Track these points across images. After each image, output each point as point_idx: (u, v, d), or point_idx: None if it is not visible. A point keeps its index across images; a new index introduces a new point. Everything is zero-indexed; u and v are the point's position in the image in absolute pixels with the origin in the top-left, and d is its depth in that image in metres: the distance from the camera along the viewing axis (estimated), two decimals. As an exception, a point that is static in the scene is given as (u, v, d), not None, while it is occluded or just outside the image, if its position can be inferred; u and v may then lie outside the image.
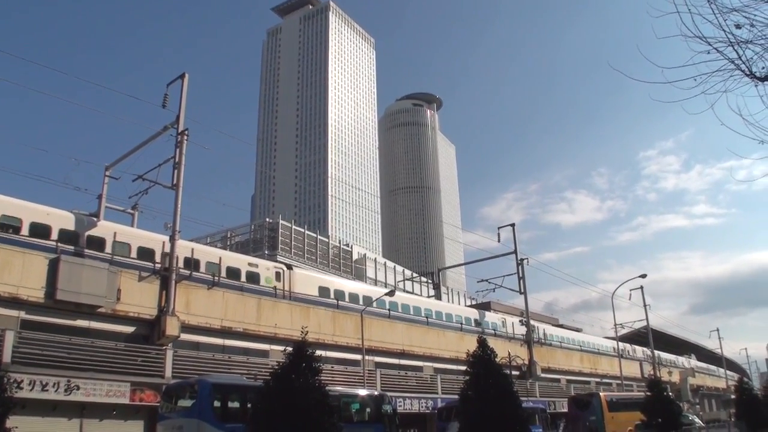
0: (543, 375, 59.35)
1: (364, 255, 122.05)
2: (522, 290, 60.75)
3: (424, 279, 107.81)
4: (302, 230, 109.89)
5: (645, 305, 76.47)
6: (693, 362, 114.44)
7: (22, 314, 27.67)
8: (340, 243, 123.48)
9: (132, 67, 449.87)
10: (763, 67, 9.92)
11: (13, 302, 27.32)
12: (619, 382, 69.56)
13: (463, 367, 25.51)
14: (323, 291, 45.63)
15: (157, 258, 34.39)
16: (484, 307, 74.32)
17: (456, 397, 27.48)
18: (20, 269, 27.56)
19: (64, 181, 55.81)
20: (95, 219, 34.44)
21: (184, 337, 32.79)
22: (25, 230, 30.70)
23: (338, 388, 29.84)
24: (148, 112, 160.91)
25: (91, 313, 29.74)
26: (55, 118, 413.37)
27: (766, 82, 9.98)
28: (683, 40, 9.71)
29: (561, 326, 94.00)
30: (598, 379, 74.46)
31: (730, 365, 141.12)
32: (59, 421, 25.73)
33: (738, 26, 9.60)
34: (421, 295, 79.67)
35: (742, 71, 9.87)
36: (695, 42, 9.68)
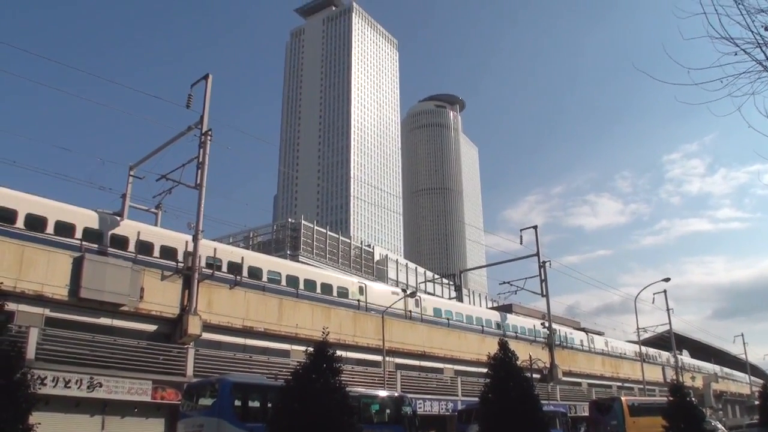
0: (564, 378, 59.03)
1: (386, 256, 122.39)
2: (544, 293, 60.48)
3: (445, 281, 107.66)
4: (324, 231, 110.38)
5: (668, 309, 75.95)
6: (685, 359, 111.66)
7: (47, 312, 27.93)
8: (362, 244, 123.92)
9: (156, 68, 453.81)
10: (792, 70, 9.80)
11: (38, 300, 27.58)
12: (641, 386, 69.06)
13: (484, 370, 25.45)
14: None
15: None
16: (505, 309, 74.11)
17: (476, 399, 27.43)
18: (45, 267, 27.81)
19: (88, 180, 56.36)
20: (118, 218, 34.67)
21: (206, 336, 32.95)
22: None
23: (358, 388, 29.87)
24: (172, 113, 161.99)
25: (114, 312, 29.97)
26: (80, 117, 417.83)
27: (794, 85, 9.86)
28: (710, 42, 9.61)
29: (583, 329, 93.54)
30: (619, 383, 73.99)
31: (755, 371, 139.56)
32: (82, 417, 25.97)
33: (766, 27, 9.49)
34: (442, 297, 79.39)
35: (770, 73, 9.75)
36: (722, 43, 9.59)
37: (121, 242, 33.74)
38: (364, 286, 48.21)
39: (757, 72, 9.71)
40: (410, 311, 49.27)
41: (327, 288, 44.39)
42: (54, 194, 33.91)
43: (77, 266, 28.59)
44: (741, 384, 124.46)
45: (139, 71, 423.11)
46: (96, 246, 31.92)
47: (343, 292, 45.37)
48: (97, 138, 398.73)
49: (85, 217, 32.88)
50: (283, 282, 41.09)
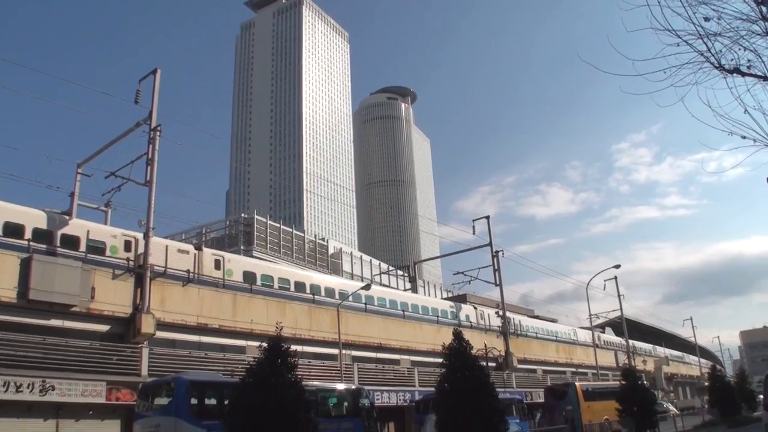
0: (519, 366, 59.67)
1: (340, 249, 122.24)
2: (497, 282, 60.98)
3: (400, 272, 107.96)
4: (278, 225, 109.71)
5: (619, 295, 77.15)
6: (604, 336, 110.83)
7: (-5, 315, 27.36)
8: (316, 237, 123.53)
9: (104, 63, 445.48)
10: (732, 59, 10.07)
11: (-14, 303, 27.00)
12: (595, 371, 70.15)
13: (440, 360, 25.64)
14: None
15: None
16: (460, 299, 74.54)
17: (433, 389, 27.62)
18: (-8, 269, 27.24)
19: (35, 179, 55.10)
20: (67, 217, 34.05)
21: (160, 334, 32.59)
22: None
23: (315, 382, 29.86)
24: (120, 109, 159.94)
25: (65, 313, 29.42)
26: (26, 115, 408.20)
27: (734, 75, 10.12)
28: (653, 33, 9.82)
29: (536, 317, 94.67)
30: (573, 369, 75.03)
31: (704, 353, 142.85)
32: (35, 422, 25.49)
33: (707, 19, 9.72)
34: (397, 288, 79.60)
35: (711, 63, 10.00)
36: (665, 35, 9.80)
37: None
38: (133, 240, 35.90)
39: (699, 63, 9.95)
40: (196, 273, 37.24)
41: (70, 241, 33.35)
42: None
43: (25, 267, 28.01)
44: (691, 366, 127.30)
45: (86, 67, 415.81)
46: (44, 246, 31.35)
47: (99, 248, 34.23)
48: (43, 136, 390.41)
49: (36, 218, 32.22)
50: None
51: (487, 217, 62.56)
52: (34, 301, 28.00)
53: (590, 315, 73.61)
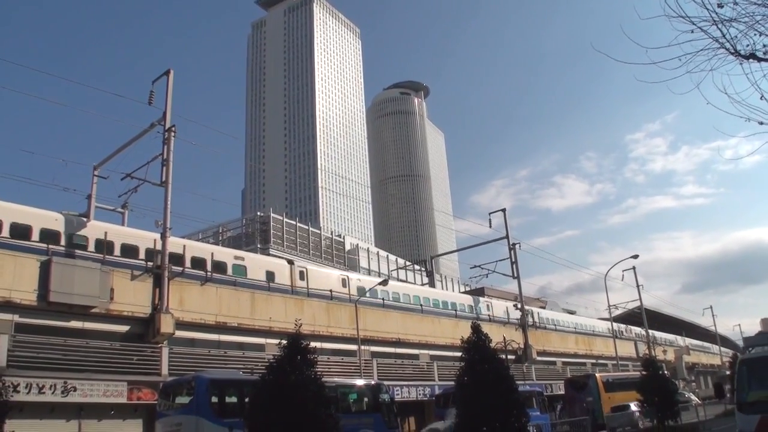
0: (539, 358, 59.55)
1: (357, 245, 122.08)
2: (515, 275, 60.86)
3: (417, 267, 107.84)
4: (294, 223, 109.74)
5: (638, 285, 76.68)
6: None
7: (16, 318, 27.57)
8: (332, 234, 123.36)
9: (116, 65, 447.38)
10: (748, 45, 9.97)
11: (7, 306, 27.22)
12: (615, 362, 69.88)
13: (459, 354, 25.63)
14: None
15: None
16: (477, 293, 74.45)
17: (453, 383, 27.61)
18: (12, 272, 27.45)
19: (52, 182, 55.52)
20: (85, 219, 34.29)
21: (179, 333, 32.79)
22: None
23: (335, 378, 29.93)
24: (135, 110, 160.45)
25: (85, 314, 29.66)
26: (41, 118, 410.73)
27: (750, 60, 10.02)
28: (667, 20, 9.74)
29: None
30: (593, 361, 74.77)
31: (724, 342, 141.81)
32: (57, 422, 25.70)
33: (720, 5, 9.63)
34: (414, 283, 79.56)
35: (727, 50, 9.90)
36: (679, 22, 9.72)
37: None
38: None
39: (714, 49, 9.86)
40: None
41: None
42: (16, 198, 33.57)
43: (45, 270, 28.25)
44: (712, 355, 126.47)
45: (99, 69, 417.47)
46: (63, 248, 31.60)
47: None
48: (58, 139, 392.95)
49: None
50: None
51: (503, 210, 62.47)
52: (54, 303, 28.26)
53: (609, 306, 73.35)
